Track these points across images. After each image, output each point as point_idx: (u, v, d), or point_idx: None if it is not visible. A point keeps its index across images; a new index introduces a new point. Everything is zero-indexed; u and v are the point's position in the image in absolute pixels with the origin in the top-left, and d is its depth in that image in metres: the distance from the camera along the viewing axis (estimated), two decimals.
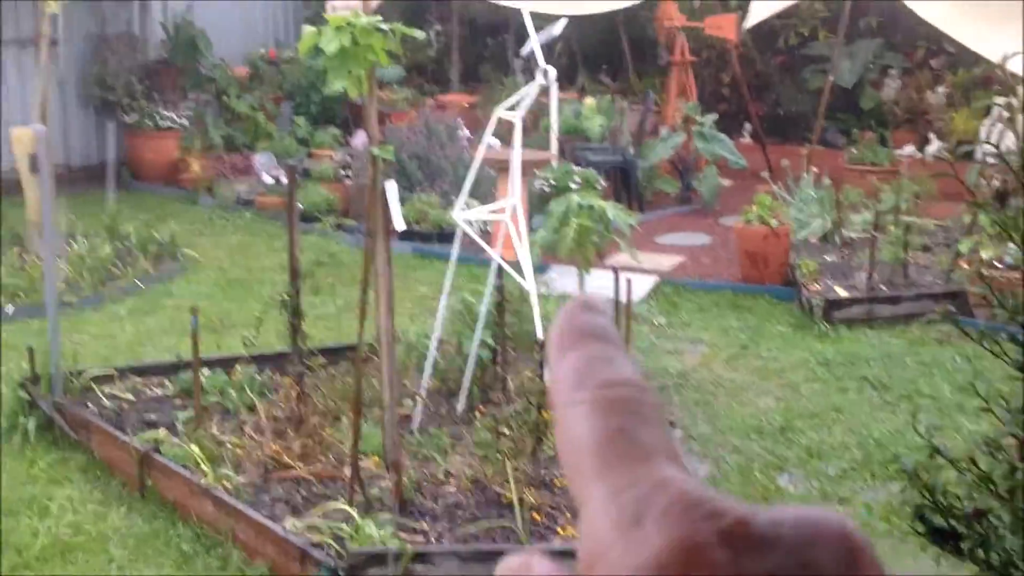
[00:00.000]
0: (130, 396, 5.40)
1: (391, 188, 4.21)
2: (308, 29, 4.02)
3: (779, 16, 11.49)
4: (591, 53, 13.67)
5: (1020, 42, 2.85)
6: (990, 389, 2.15)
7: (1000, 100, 1.90)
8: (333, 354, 5.54)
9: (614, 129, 11.11)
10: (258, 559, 4.10)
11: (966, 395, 5.37)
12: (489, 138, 5.93)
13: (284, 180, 8.14)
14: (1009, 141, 1.91)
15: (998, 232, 2.15)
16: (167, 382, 5.54)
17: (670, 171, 10.64)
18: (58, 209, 7.44)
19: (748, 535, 0.35)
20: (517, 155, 5.00)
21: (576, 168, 9.16)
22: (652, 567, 0.34)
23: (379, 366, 4.31)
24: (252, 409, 5.07)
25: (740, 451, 5.16)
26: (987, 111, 9.21)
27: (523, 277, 4.87)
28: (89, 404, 5.29)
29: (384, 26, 3.94)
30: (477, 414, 5.08)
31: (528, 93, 5.03)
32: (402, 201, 8.88)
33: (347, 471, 4.34)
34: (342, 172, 10.14)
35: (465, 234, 5.17)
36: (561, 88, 11.54)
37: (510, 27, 14.03)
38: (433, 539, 4.08)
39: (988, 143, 1.97)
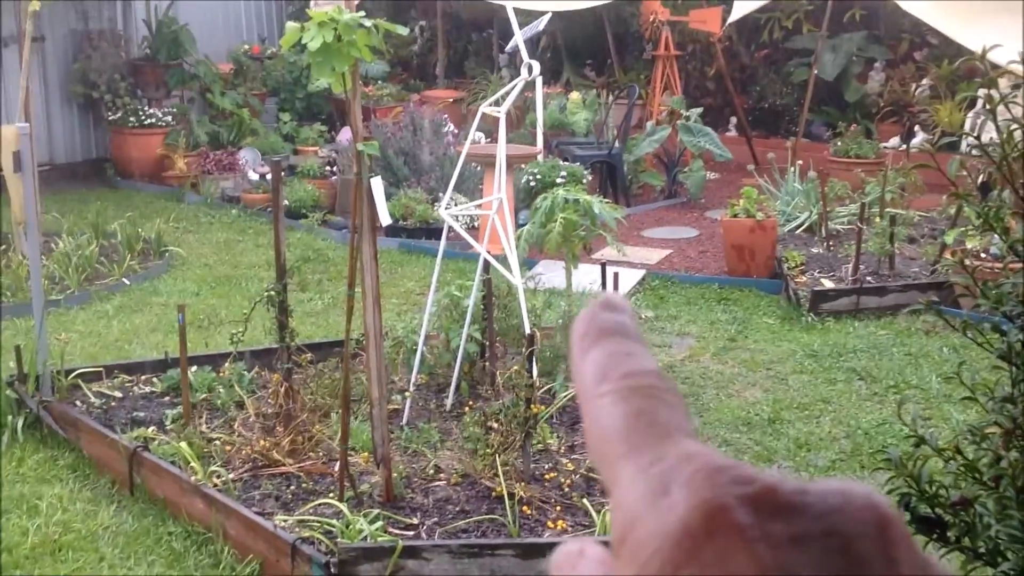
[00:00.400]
0: (118, 394, 5.39)
1: (376, 184, 4.21)
2: (291, 25, 4.01)
3: (763, 10, 11.51)
4: (576, 48, 13.67)
5: (1002, 34, 2.86)
6: (975, 379, 2.17)
7: (982, 92, 1.92)
8: (321, 350, 5.55)
9: (599, 123, 11.13)
10: (248, 555, 4.10)
11: (952, 385, 5.41)
12: (474, 133, 5.93)
13: (269, 176, 8.14)
14: (992, 132, 1.93)
15: (981, 223, 2.16)
16: (155, 379, 5.53)
17: (656, 165, 10.67)
18: (43, 207, 7.43)
19: (773, 500, 0.36)
20: (502, 150, 5.00)
21: (562, 163, 9.18)
22: (678, 530, 0.35)
23: (367, 362, 4.32)
24: (241, 406, 5.07)
25: (729, 443, 5.19)
26: (971, 103, 9.26)
27: (510, 272, 4.88)
28: (77, 402, 5.28)
29: (367, 22, 3.93)
30: (466, 409, 5.09)
31: (513, 88, 5.04)
32: (388, 197, 8.89)
33: (336, 467, 4.35)
34: (327, 168, 10.14)
35: (451, 229, 5.18)
36: (546, 83, 11.55)
37: (494, 22, 14.03)
38: (423, 534, 4.09)
39: (970, 135, 1.99)
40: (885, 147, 10.54)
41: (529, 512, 4.20)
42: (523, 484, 4.28)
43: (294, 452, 4.62)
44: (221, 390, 5.22)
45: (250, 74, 12.49)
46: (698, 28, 11.44)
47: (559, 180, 8.50)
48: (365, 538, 3.92)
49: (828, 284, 7.26)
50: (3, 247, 7.78)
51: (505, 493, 4.15)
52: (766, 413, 5.52)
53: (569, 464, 4.62)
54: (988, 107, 2.09)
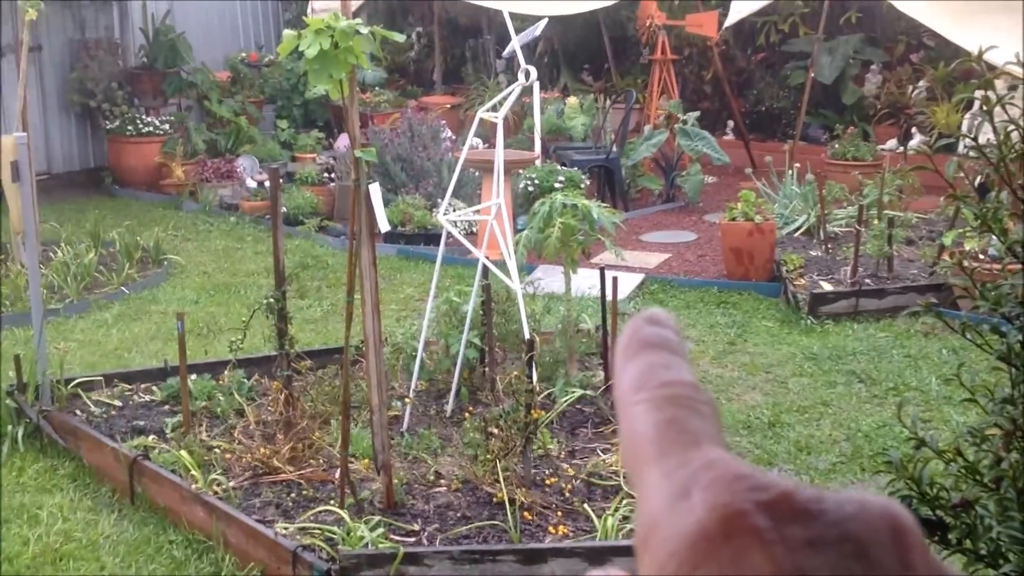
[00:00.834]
0: (118, 403, 5.39)
1: (375, 190, 4.21)
2: (288, 33, 4.01)
3: (759, 13, 11.53)
4: (573, 53, 13.69)
5: (998, 34, 2.87)
6: (975, 380, 2.17)
7: (979, 93, 1.92)
8: (320, 357, 5.55)
9: (597, 128, 11.14)
10: (250, 563, 4.10)
11: (952, 387, 5.41)
12: (472, 139, 5.93)
13: (267, 184, 8.13)
14: (989, 134, 1.93)
15: (979, 224, 2.16)
16: (155, 388, 5.53)
17: (654, 169, 10.67)
18: (41, 217, 7.43)
19: (790, 505, 0.37)
20: (500, 155, 5.01)
21: (560, 167, 9.18)
22: (696, 533, 0.36)
23: (367, 368, 4.32)
24: (241, 413, 5.07)
25: (730, 447, 5.08)
26: (968, 104, 9.26)
27: (509, 277, 4.88)
28: (77, 411, 5.28)
29: (364, 29, 3.94)
30: (466, 415, 5.09)
31: (510, 94, 5.04)
32: (386, 203, 8.89)
33: (337, 474, 4.35)
34: (325, 175, 10.14)
35: (450, 235, 5.18)
36: (543, 88, 11.57)
37: (491, 28, 14.05)
38: (424, 540, 4.09)
39: (967, 136, 1.99)
40: (882, 149, 10.55)
41: (530, 518, 4.20)
42: (524, 490, 4.28)
43: (294, 459, 4.62)
44: (221, 398, 5.22)
45: (247, 81, 12.50)
46: (694, 32, 11.46)
47: (557, 185, 8.51)
48: (366, 545, 3.91)
49: (827, 287, 7.26)
50: (2, 257, 7.78)
51: (506, 499, 4.15)
52: (766, 416, 5.52)
53: (570, 469, 4.62)
54: (985, 108, 2.09)
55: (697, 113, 10.43)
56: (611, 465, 4.64)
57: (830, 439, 5.26)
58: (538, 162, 8.90)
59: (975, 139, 2.14)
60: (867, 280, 7.32)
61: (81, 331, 6.90)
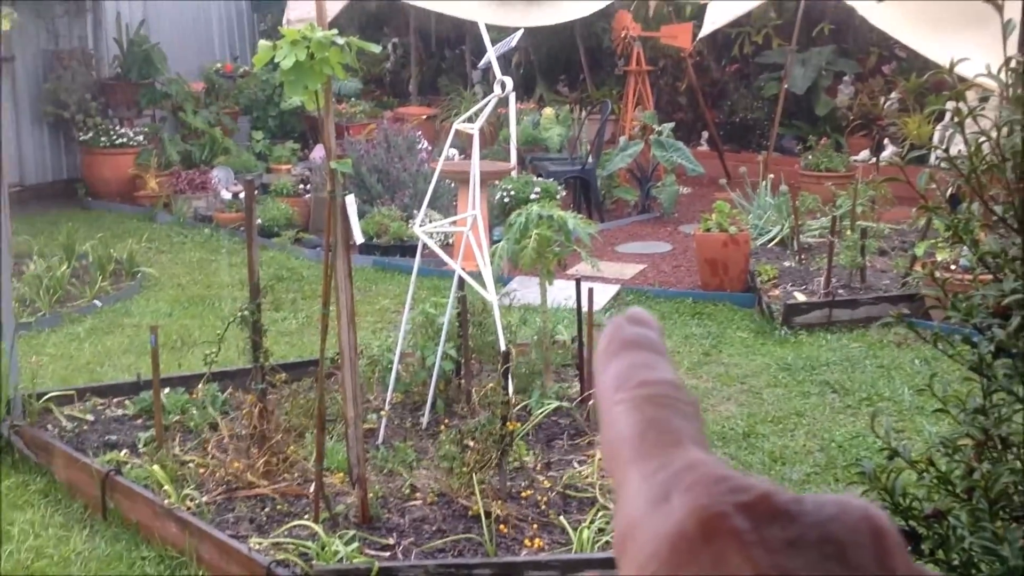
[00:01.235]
0: (90, 417, 5.34)
1: (350, 202, 4.20)
2: (263, 44, 4.00)
3: (733, 25, 11.60)
4: (548, 64, 13.72)
5: (969, 47, 2.89)
6: (947, 390, 2.18)
7: (950, 105, 1.93)
8: (296, 370, 5.52)
9: (572, 139, 11.17)
10: None
11: (924, 397, 5.44)
12: (448, 150, 5.93)
13: (242, 195, 8.10)
14: (960, 145, 1.94)
15: (951, 235, 2.18)
16: (128, 402, 5.48)
17: (629, 180, 10.70)
18: (13, 229, 7.37)
19: (770, 507, 0.37)
20: (476, 166, 5.01)
21: (536, 179, 9.20)
22: (675, 534, 0.36)
23: (342, 381, 4.30)
24: (214, 427, 5.03)
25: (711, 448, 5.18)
26: (940, 116, 9.33)
27: (485, 288, 4.88)
28: (49, 426, 5.23)
29: (340, 40, 3.93)
30: (442, 427, 5.07)
31: (486, 105, 5.05)
32: (362, 214, 8.88)
33: (312, 488, 4.32)
34: (301, 186, 10.11)
35: (426, 246, 5.17)
36: (519, 99, 11.58)
37: (467, 39, 14.06)
38: (400, 554, 4.07)
39: (939, 148, 2.00)
40: (855, 160, 10.62)
41: (506, 531, 4.19)
42: (500, 502, 4.27)
43: (269, 473, 4.59)
44: (195, 412, 5.19)
45: (222, 92, 12.46)
46: (669, 43, 11.51)
47: (533, 196, 8.52)
48: (341, 560, 3.89)
49: (801, 297, 7.30)
50: None
51: (482, 512, 4.13)
52: (741, 427, 5.53)
53: (546, 482, 4.61)
54: (957, 120, 2.10)
55: (672, 124, 10.47)
56: (587, 477, 4.64)
57: (804, 449, 5.27)
58: (514, 173, 8.91)
59: (947, 151, 2.15)
60: (840, 291, 7.36)
61: (53, 345, 6.84)
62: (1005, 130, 2.12)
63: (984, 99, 2.40)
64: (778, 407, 5.80)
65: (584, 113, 12.24)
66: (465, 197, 6.77)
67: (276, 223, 9.27)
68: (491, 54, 5.35)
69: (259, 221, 8.65)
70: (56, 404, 5.37)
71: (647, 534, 0.37)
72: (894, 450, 2.12)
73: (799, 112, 12.31)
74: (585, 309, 5.24)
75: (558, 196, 8.77)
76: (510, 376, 4.54)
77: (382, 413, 5.13)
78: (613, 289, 7.84)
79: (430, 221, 6.98)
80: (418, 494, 4.51)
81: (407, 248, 8.46)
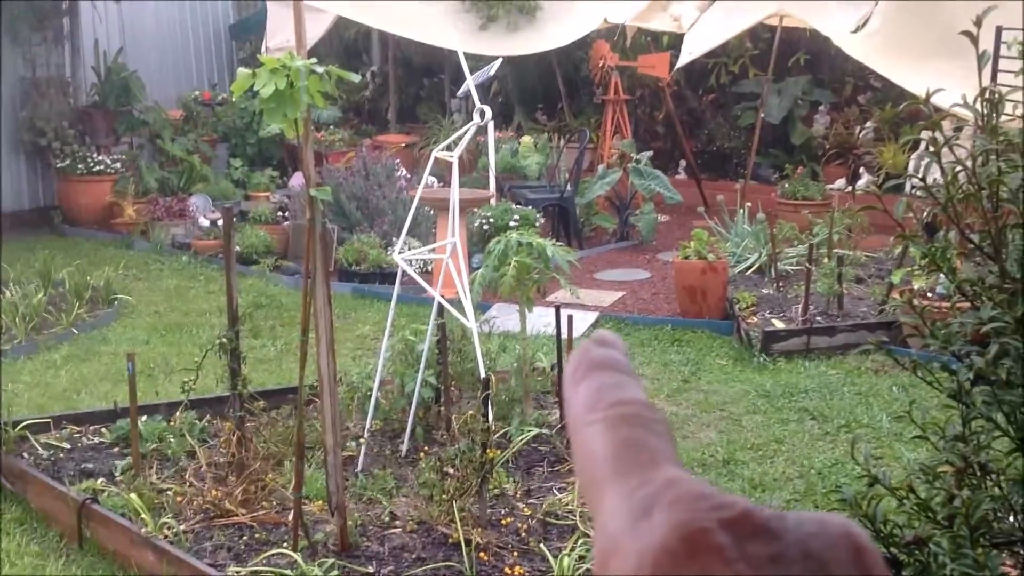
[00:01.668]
0: (66, 445, 5.29)
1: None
2: (242, 71, 4.00)
3: (709, 55, 11.69)
4: (527, 92, 13.78)
5: (944, 78, 2.93)
6: (926, 417, 2.19)
7: (926, 134, 1.96)
8: (274, 397, 5.50)
9: (551, 167, 11.20)
10: None
11: (903, 424, 5.47)
12: (427, 178, 5.94)
13: (221, 222, 8.08)
14: (936, 174, 1.97)
15: (927, 263, 2.20)
16: (104, 430, 5.44)
17: (607, 207, 10.74)
18: None
19: (752, 523, 0.37)
20: (455, 194, 5.02)
21: (515, 206, 9.22)
22: (659, 552, 0.36)
23: (321, 408, 4.28)
24: (192, 455, 5.00)
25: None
26: (915, 145, 9.43)
27: (464, 316, 4.88)
28: (24, 454, 5.18)
29: (319, 68, 3.94)
30: (422, 454, 5.06)
31: (465, 133, 5.07)
32: (341, 242, 8.87)
33: (290, 516, 4.29)
34: (279, 214, 10.10)
35: (405, 273, 5.17)
36: (498, 127, 11.63)
37: (446, 68, 14.12)
38: None
39: (915, 176, 2.03)
40: (831, 189, 10.71)
41: (486, 558, 4.17)
42: (480, 530, 4.26)
43: (247, 502, 4.56)
44: (172, 440, 5.15)
45: (201, 120, 12.44)
46: (647, 73, 11.59)
47: (512, 223, 8.54)
48: None
49: (779, 324, 7.33)
50: None
51: (462, 539, 4.12)
52: (720, 454, 5.54)
53: (526, 509, 4.60)
54: (932, 149, 2.13)
55: (650, 153, 10.53)
56: (567, 504, 4.63)
57: (784, 476, 5.28)
58: (493, 201, 8.94)
59: (923, 179, 2.18)
60: (818, 318, 7.40)
61: (29, 372, 6.78)
62: (981, 159, 2.15)
63: (959, 129, 2.43)
64: (757, 434, 5.82)
65: (562, 141, 12.30)
66: (444, 225, 6.77)
67: (255, 250, 9.25)
68: (470, 83, 5.38)
69: (237, 248, 8.62)
70: (32, 432, 5.32)
71: (629, 551, 0.37)
72: (874, 477, 2.13)
73: (776, 141, 12.41)
74: (564, 336, 5.25)
75: (537, 224, 8.80)
76: (490, 403, 4.53)
77: (361, 440, 5.11)
78: (592, 316, 7.85)
79: (409, 248, 6.98)
80: (398, 522, 4.49)
81: (386, 275, 8.46)
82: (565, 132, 12.89)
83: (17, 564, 4.44)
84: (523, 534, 4.37)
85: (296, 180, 10.81)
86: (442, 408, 5.33)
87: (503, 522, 4.46)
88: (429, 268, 8.06)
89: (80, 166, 10.99)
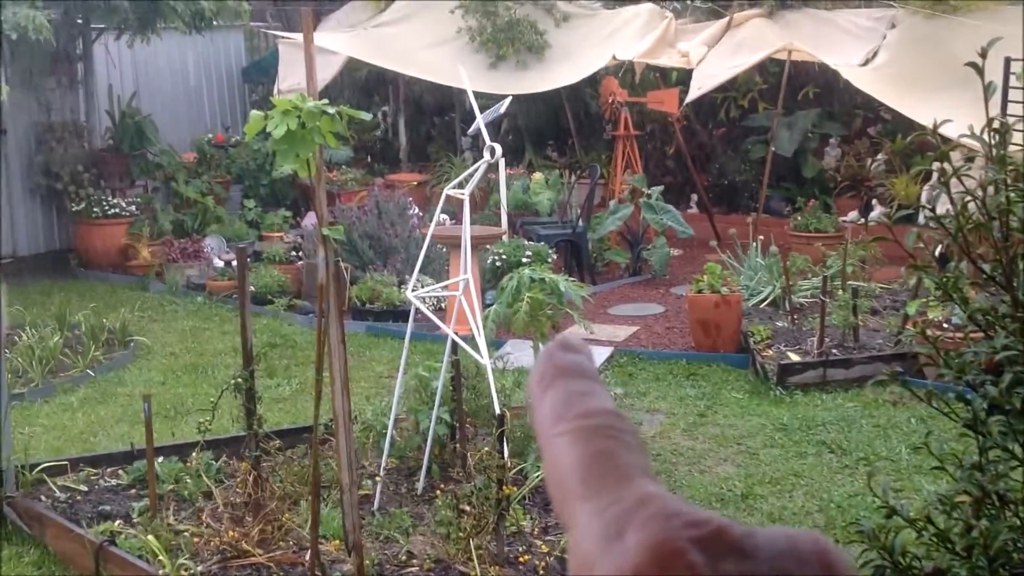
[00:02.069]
0: (84, 487, 5.30)
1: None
2: (255, 114, 4.04)
3: (719, 90, 11.74)
4: (537, 129, 13.85)
5: (951, 109, 2.95)
6: (944, 448, 2.19)
7: (936, 165, 1.97)
8: (290, 436, 5.50)
9: (563, 203, 11.24)
10: None
11: (921, 455, 5.42)
12: (439, 215, 5.97)
13: (235, 263, 8.12)
14: (947, 204, 1.98)
15: (941, 294, 2.20)
16: (121, 472, 5.45)
17: (620, 242, 10.76)
18: (6, 300, 7.37)
19: (725, 543, 0.37)
20: (467, 231, 5.04)
21: (527, 242, 9.25)
22: (633, 571, 0.36)
23: (336, 447, 4.28)
24: (209, 496, 5.00)
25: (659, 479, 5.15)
26: (926, 176, 9.45)
27: (478, 352, 4.89)
28: (42, 497, 5.19)
29: (331, 109, 3.98)
30: (438, 492, 5.05)
31: (476, 170, 5.10)
32: (354, 280, 8.90)
33: (307, 556, 4.29)
34: (293, 253, 10.15)
35: (419, 311, 5.18)
36: (509, 164, 11.69)
37: (456, 106, 14.21)
38: None
39: (926, 207, 2.04)
40: (844, 221, 10.71)
41: None
42: (497, 568, 4.24)
43: (264, 542, 4.55)
44: (189, 480, 5.16)
45: (214, 162, 12.54)
46: (656, 108, 11.65)
47: (524, 259, 8.56)
48: None
49: (794, 357, 7.31)
50: None
51: None
52: (739, 488, 5.51)
53: (544, 546, 4.58)
54: (942, 180, 2.14)
55: (661, 187, 10.56)
56: None
57: (803, 510, 5.25)
58: (505, 237, 8.96)
59: (934, 210, 2.19)
60: (834, 350, 7.38)
61: (46, 415, 6.81)
62: (991, 189, 2.16)
63: (969, 159, 2.44)
64: (775, 468, 5.79)
65: (574, 177, 12.34)
66: (457, 262, 6.79)
67: (269, 290, 9.29)
68: (480, 121, 5.41)
69: (252, 288, 8.67)
70: (49, 475, 5.34)
71: (604, 571, 0.37)
72: (892, 509, 2.12)
73: (787, 174, 12.42)
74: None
75: (549, 259, 8.81)
76: (505, 440, 4.53)
77: (377, 479, 5.11)
78: (607, 351, 7.84)
79: (422, 286, 7.01)
80: (415, 560, 4.48)
81: (400, 313, 8.47)
82: (576, 168, 12.94)
83: None
84: (541, 572, 4.35)
85: (309, 220, 10.87)
86: (457, 445, 5.33)
87: (521, 560, 4.44)
88: (442, 305, 8.08)
89: (95, 209, 11.08)
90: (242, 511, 4.67)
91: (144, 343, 8.34)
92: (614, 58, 11.16)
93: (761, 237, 9.37)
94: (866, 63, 10.01)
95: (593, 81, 12.05)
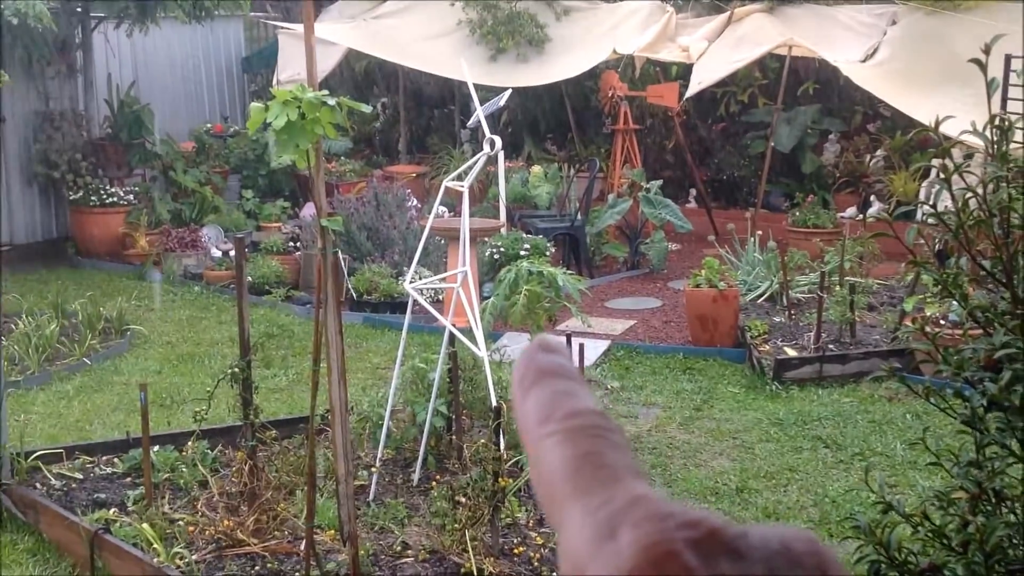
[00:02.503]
0: (79, 475, 5.30)
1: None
2: (256, 106, 4.03)
3: (718, 84, 11.74)
4: (537, 123, 13.85)
5: (952, 105, 2.94)
6: (940, 444, 2.18)
7: (936, 162, 1.97)
8: (286, 426, 5.50)
9: (561, 196, 11.24)
10: None
11: (917, 451, 5.45)
12: (438, 208, 5.97)
13: (232, 253, 8.11)
14: (947, 201, 1.97)
15: (939, 290, 2.20)
16: (117, 460, 5.45)
17: (618, 236, 10.76)
18: (3, 288, 7.37)
19: (719, 543, 0.37)
20: (466, 224, 5.03)
21: (525, 235, 9.24)
22: (625, 572, 0.36)
23: (333, 437, 4.28)
24: (204, 485, 5.00)
25: (648, 478, 5.17)
26: (925, 173, 9.45)
27: (475, 344, 4.88)
28: (37, 485, 5.19)
29: (331, 100, 3.97)
30: (433, 483, 5.05)
31: (475, 163, 5.09)
32: (352, 272, 8.90)
33: (302, 545, 4.29)
34: (291, 244, 10.14)
35: (416, 303, 5.18)
36: (508, 157, 11.68)
37: (456, 98, 14.20)
38: None
39: (926, 204, 2.04)
40: (842, 217, 10.71)
41: None
42: (492, 559, 4.24)
43: (259, 531, 4.55)
44: (184, 469, 5.15)
45: (212, 152, 12.53)
46: (656, 103, 11.64)
47: (523, 252, 8.56)
48: None
49: (791, 352, 7.31)
50: None
51: (474, 569, 4.11)
52: (734, 483, 5.51)
53: (538, 538, 4.58)
54: (943, 177, 2.14)
55: (660, 182, 10.56)
56: None
57: (798, 505, 5.26)
58: (503, 230, 8.96)
59: (934, 206, 2.18)
60: (831, 345, 7.38)
61: (42, 403, 6.80)
62: (991, 186, 2.15)
63: (970, 156, 2.44)
64: (771, 462, 5.79)
65: (573, 171, 12.33)
66: (455, 254, 6.79)
67: (266, 280, 9.28)
68: (480, 113, 5.41)
69: (249, 278, 8.66)
70: (45, 463, 5.33)
71: (596, 572, 0.37)
72: (888, 504, 2.12)
73: (786, 169, 12.42)
74: (576, 365, 5.24)
75: (547, 253, 8.81)
76: (501, 432, 4.53)
77: (373, 470, 5.11)
78: (604, 344, 7.85)
79: (420, 278, 7.00)
80: (410, 551, 4.48)
81: (397, 305, 8.47)
82: (575, 161, 12.93)
83: None
84: (535, 563, 4.36)
85: (307, 210, 10.86)
86: (454, 437, 5.33)
87: (515, 551, 4.45)
88: (440, 297, 8.08)
89: (93, 198, 11.06)
90: (238, 500, 4.66)
91: (141, 332, 8.33)
92: (614, 52, 11.16)
93: (759, 232, 9.37)
94: (866, 59, 10.00)
95: (593, 75, 12.05)
